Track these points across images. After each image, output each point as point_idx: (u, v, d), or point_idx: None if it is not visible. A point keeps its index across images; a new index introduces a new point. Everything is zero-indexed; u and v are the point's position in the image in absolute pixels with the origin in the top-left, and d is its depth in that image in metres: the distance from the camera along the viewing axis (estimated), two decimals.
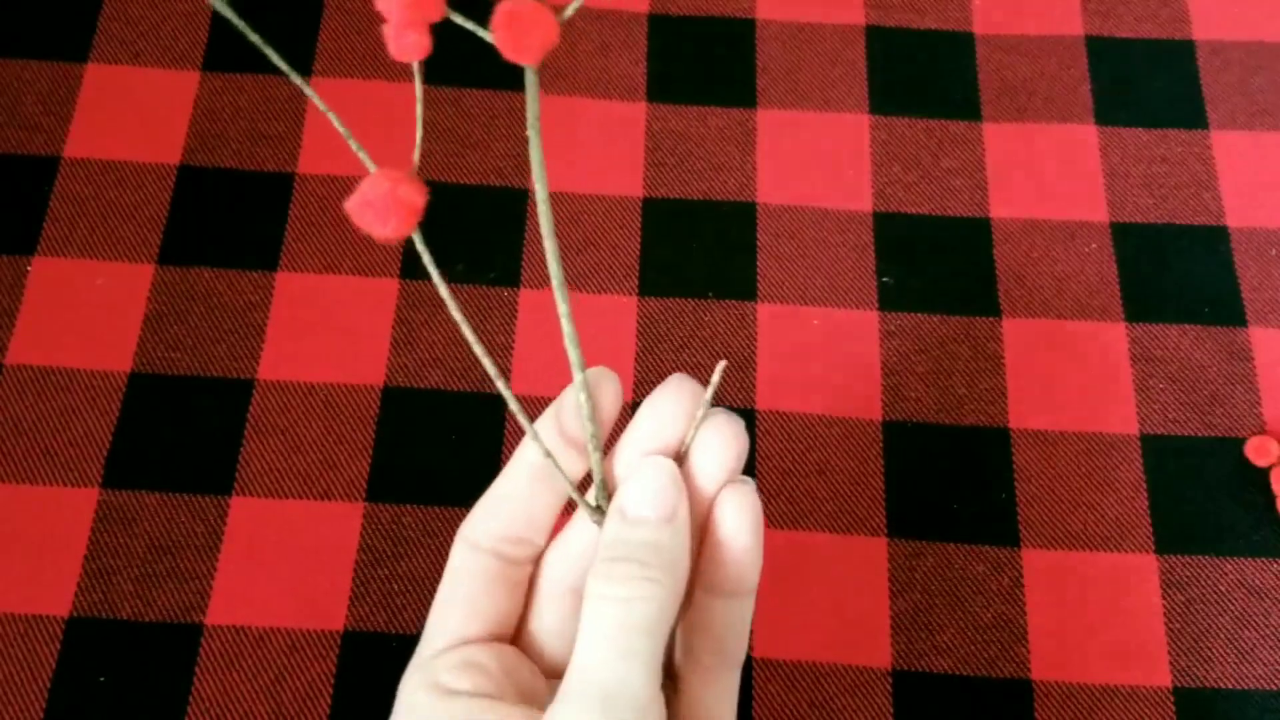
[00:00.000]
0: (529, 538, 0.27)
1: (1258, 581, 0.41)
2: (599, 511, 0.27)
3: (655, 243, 0.47)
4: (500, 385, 0.26)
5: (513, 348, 0.44)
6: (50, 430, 0.42)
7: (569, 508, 0.27)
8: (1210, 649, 0.40)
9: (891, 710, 0.39)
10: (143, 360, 0.43)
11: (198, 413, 0.43)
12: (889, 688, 0.40)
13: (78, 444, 0.42)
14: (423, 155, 0.48)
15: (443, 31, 0.49)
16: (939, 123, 0.49)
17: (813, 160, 0.49)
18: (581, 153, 0.48)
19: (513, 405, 0.26)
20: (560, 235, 0.47)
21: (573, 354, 0.26)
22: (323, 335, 0.44)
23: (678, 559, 0.25)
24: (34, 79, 0.48)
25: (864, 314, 0.46)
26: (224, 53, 0.49)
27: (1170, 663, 0.40)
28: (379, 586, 0.40)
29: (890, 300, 0.46)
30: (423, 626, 0.41)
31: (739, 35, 0.51)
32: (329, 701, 0.39)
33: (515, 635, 0.27)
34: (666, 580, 0.24)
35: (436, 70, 0.49)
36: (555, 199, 0.47)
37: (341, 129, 0.25)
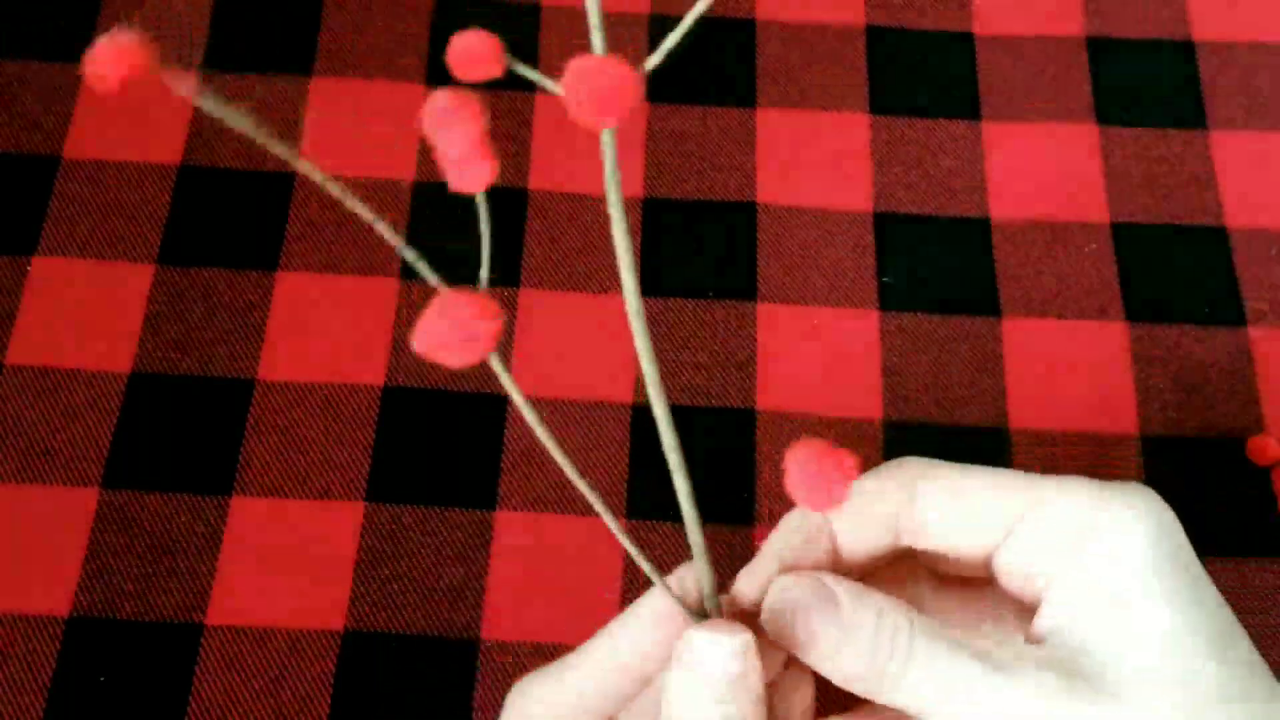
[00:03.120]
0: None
1: (1258, 581, 0.41)
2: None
3: (655, 243, 0.47)
4: (609, 521, 0.25)
5: (512, 348, 0.44)
6: (50, 430, 0.42)
7: None
8: None
9: None
10: (143, 360, 0.43)
11: (198, 413, 0.43)
12: None
13: (78, 444, 0.42)
14: (423, 155, 0.48)
15: (441, 30, 0.49)
16: (939, 123, 0.49)
17: (813, 160, 0.49)
18: (581, 153, 0.48)
19: (627, 546, 0.26)
20: (560, 236, 0.47)
21: (692, 531, 0.26)
22: (323, 335, 0.44)
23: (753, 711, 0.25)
24: (34, 79, 0.48)
25: (864, 314, 0.46)
26: (224, 53, 0.49)
27: None
28: (379, 586, 0.40)
29: (890, 300, 0.46)
30: (422, 628, 0.41)
31: (739, 35, 0.51)
32: (329, 701, 0.39)
33: None
34: None
35: (437, 70, 0.49)
36: (554, 199, 0.47)
37: (392, 237, 0.22)
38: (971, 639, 0.24)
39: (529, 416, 0.23)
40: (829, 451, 0.22)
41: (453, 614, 0.40)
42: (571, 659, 0.28)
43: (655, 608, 0.27)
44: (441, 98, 0.20)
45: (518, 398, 0.23)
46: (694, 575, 0.27)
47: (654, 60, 0.20)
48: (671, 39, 0.21)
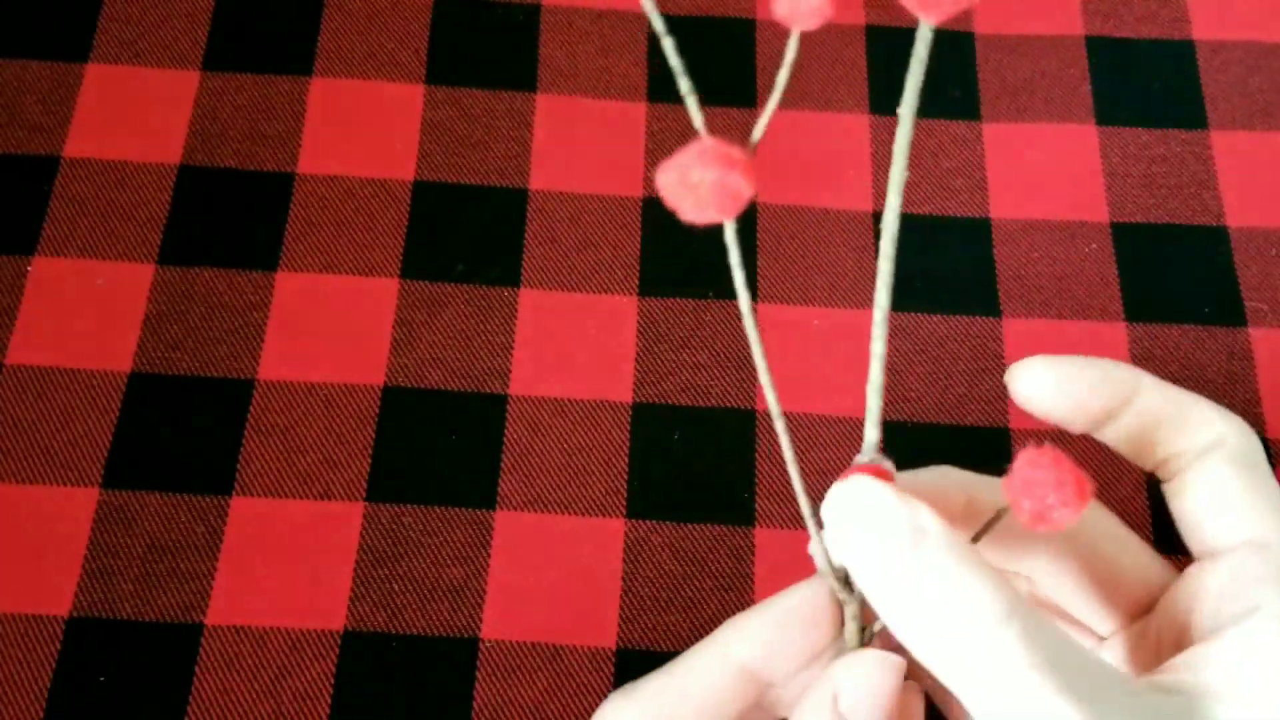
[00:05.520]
0: None
1: None
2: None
3: (655, 243, 0.47)
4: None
5: (513, 348, 0.44)
6: (50, 430, 0.42)
7: None
8: None
9: None
10: (143, 360, 0.43)
11: (198, 413, 0.43)
12: None
13: (78, 444, 0.42)
14: (423, 155, 0.48)
15: (441, 30, 0.49)
16: (939, 123, 0.49)
17: (813, 160, 0.49)
18: (581, 153, 0.48)
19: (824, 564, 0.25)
20: (560, 236, 0.47)
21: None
22: (323, 335, 0.44)
23: None
24: (34, 79, 0.48)
25: (864, 314, 0.46)
26: (224, 53, 0.49)
27: None
28: (379, 586, 0.40)
29: (890, 300, 0.46)
30: (422, 628, 0.41)
31: (739, 35, 0.51)
32: (329, 701, 0.39)
33: None
34: None
35: (437, 70, 0.49)
36: (555, 199, 0.47)
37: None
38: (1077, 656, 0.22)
39: (750, 328, 0.22)
40: (1066, 469, 0.21)
41: (453, 614, 0.40)
42: (680, 660, 0.26)
43: (808, 603, 0.26)
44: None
45: (744, 302, 0.22)
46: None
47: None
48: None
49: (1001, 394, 0.44)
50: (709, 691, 0.25)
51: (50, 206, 0.46)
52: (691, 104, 0.21)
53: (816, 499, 0.25)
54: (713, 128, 0.52)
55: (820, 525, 0.25)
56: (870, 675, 0.24)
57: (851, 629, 0.26)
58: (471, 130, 0.48)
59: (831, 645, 0.26)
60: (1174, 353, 0.45)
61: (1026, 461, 0.22)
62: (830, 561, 0.25)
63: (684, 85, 0.21)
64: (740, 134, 0.49)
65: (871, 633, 0.26)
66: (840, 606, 0.26)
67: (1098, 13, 0.52)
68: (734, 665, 0.25)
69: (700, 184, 0.19)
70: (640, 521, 0.42)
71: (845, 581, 0.26)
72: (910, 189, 0.48)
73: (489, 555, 0.41)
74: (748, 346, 0.45)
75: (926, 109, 0.50)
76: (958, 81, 0.50)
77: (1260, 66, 0.51)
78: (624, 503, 0.42)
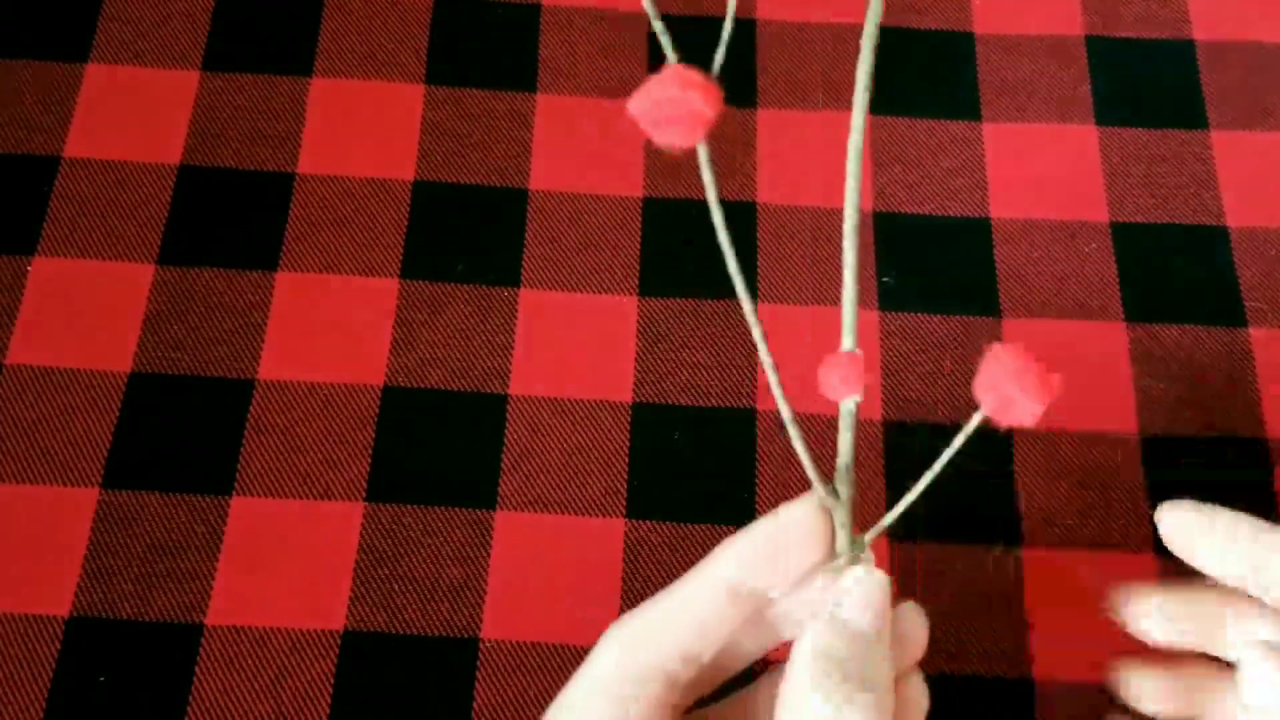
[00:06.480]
0: (700, 656, 0.27)
1: None
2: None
3: (655, 243, 0.47)
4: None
5: (512, 348, 0.44)
6: (50, 430, 0.42)
7: None
8: None
9: None
10: (143, 360, 0.43)
11: (198, 413, 0.43)
12: None
13: (78, 444, 0.42)
14: (423, 155, 0.48)
15: (441, 30, 0.49)
16: (939, 123, 0.49)
17: (813, 160, 0.49)
18: (581, 153, 0.48)
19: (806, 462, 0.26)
20: (560, 236, 0.47)
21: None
22: (323, 335, 0.44)
23: (886, 676, 0.25)
24: (34, 79, 0.48)
25: (864, 314, 0.46)
26: (224, 53, 0.49)
27: None
28: (379, 586, 0.40)
29: (890, 300, 0.46)
30: (422, 628, 0.41)
31: (738, 35, 0.51)
32: (329, 701, 0.39)
33: None
34: (879, 700, 0.25)
35: (437, 70, 0.49)
36: (555, 199, 0.47)
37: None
38: None
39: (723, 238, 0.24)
40: (1030, 360, 0.22)
41: (453, 614, 0.40)
42: (674, 584, 0.27)
43: (796, 519, 0.27)
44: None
45: (716, 214, 0.23)
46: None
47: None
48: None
49: None
50: (699, 611, 0.27)
51: (50, 206, 0.46)
52: (665, 42, 0.23)
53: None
54: (713, 127, 0.52)
55: (824, 479, 0.27)
56: (867, 587, 0.26)
57: (841, 537, 0.27)
58: (471, 130, 0.48)
59: (824, 560, 0.27)
60: (1174, 353, 0.45)
61: (992, 357, 0.22)
62: (818, 468, 0.27)
63: (657, 26, 0.23)
64: (741, 133, 0.49)
65: (863, 543, 0.27)
66: (830, 521, 0.27)
67: (1098, 13, 0.52)
68: (723, 585, 0.27)
69: (662, 102, 0.21)
70: (640, 521, 0.42)
71: (833, 489, 0.27)
72: (910, 189, 0.48)
73: (489, 555, 0.41)
74: (748, 347, 0.45)
75: (926, 109, 0.50)
76: (958, 81, 0.50)
77: (1260, 66, 0.51)
78: (624, 503, 0.42)
